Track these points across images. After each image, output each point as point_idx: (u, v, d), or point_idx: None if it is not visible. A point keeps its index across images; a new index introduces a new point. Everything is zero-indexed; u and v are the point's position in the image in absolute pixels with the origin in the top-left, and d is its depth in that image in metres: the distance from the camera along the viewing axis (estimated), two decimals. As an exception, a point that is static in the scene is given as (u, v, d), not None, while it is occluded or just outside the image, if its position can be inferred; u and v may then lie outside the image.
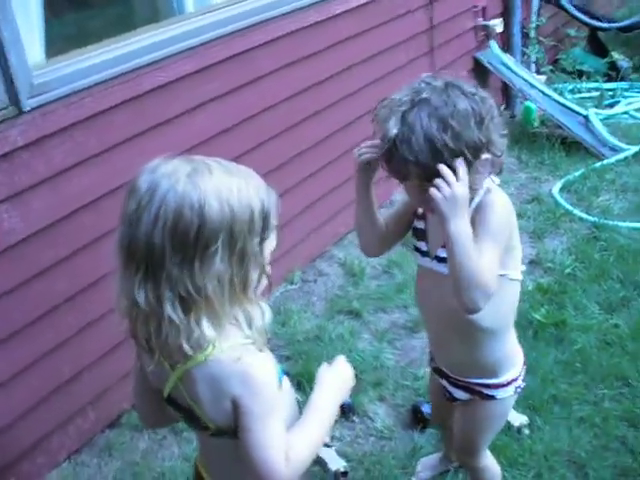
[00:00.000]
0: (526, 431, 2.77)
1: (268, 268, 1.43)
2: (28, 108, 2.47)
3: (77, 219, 2.70)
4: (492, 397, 2.09)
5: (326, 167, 3.96)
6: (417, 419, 2.88)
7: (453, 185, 1.68)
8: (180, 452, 2.88)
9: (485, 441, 2.24)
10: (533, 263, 3.92)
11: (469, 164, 1.72)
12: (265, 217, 1.37)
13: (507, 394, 2.11)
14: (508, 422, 2.77)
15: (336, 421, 2.85)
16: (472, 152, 1.72)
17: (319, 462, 2.68)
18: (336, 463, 2.66)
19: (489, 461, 2.34)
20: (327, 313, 3.58)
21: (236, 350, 1.37)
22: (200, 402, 1.42)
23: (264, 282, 1.43)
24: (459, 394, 2.15)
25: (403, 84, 4.62)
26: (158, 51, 2.90)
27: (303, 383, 2.81)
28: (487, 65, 5.36)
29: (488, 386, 2.08)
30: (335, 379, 1.62)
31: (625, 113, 5.61)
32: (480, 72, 5.42)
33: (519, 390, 2.15)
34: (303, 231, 3.87)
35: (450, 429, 2.36)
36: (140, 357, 1.57)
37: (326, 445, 2.68)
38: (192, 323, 1.33)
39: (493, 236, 1.77)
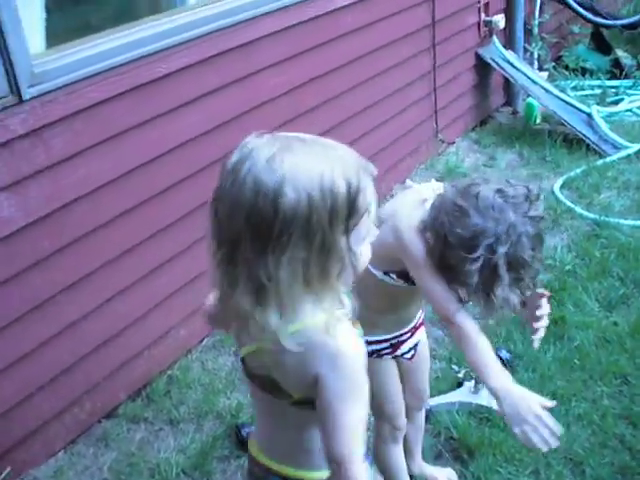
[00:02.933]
0: (524, 427, 2.76)
1: (357, 259, 1.31)
2: (28, 97, 2.46)
3: (76, 209, 2.69)
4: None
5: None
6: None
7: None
8: (176, 444, 2.87)
9: None
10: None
11: None
12: (351, 203, 1.25)
13: None
14: (505, 418, 2.77)
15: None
16: None
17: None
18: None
19: None
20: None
21: (330, 325, 1.31)
22: (284, 371, 1.38)
23: (350, 273, 1.31)
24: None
25: (404, 79, 4.63)
26: (159, 42, 2.89)
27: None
28: (489, 61, 5.35)
29: None
30: None
31: (628, 111, 5.60)
32: (482, 68, 5.42)
33: None
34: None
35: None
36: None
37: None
38: (258, 310, 1.28)
39: None
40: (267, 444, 1.59)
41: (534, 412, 1.72)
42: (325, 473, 1.49)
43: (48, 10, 2.79)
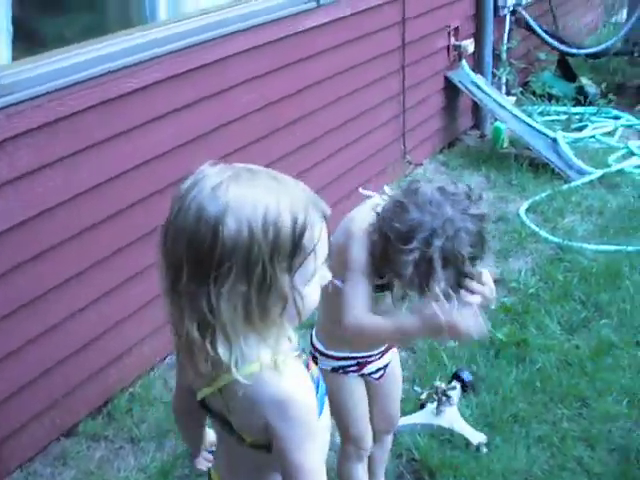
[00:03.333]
0: (484, 449, 2.78)
1: (303, 300, 1.25)
2: (-7, 109, 2.44)
3: (39, 223, 2.66)
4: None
5: (297, 178, 3.94)
6: (377, 435, 2.87)
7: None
8: (136, 463, 2.84)
9: None
10: (497, 282, 3.88)
11: None
12: (296, 239, 1.20)
13: None
14: (466, 440, 2.79)
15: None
16: None
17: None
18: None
19: None
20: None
21: (277, 367, 1.27)
22: (236, 415, 1.34)
23: (294, 314, 1.26)
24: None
25: (373, 100, 4.66)
26: (130, 56, 2.89)
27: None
28: (458, 84, 5.41)
29: None
30: None
31: (592, 137, 5.72)
32: (451, 91, 5.48)
33: None
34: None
35: None
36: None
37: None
38: (207, 344, 1.22)
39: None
40: (227, 477, 1.56)
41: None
42: None
43: (16, 22, 2.77)
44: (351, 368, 2.19)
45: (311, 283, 1.28)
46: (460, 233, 1.71)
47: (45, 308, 2.74)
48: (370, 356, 2.20)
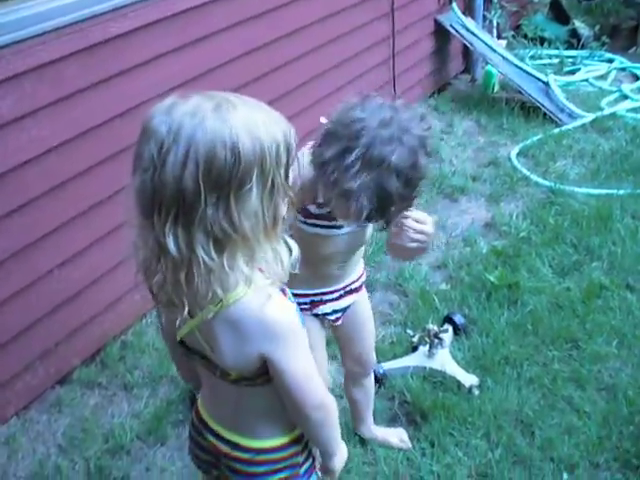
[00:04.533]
0: (476, 391, 2.80)
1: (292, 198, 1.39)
2: (-25, 55, 2.40)
3: (26, 171, 2.63)
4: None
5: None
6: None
7: None
8: (130, 409, 2.86)
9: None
10: (488, 226, 3.95)
11: None
12: (289, 148, 1.32)
13: None
14: (458, 382, 2.81)
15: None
16: None
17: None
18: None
19: None
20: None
21: (260, 294, 1.34)
22: (220, 349, 1.40)
23: (290, 215, 1.41)
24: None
25: (362, 44, 4.57)
26: (111, 1, 2.82)
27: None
28: (448, 28, 5.34)
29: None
30: None
31: (584, 81, 5.67)
32: (441, 35, 5.41)
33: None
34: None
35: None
36: (160, 315, 1.55)
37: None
38: (226, 263, 1.29)
39: None
40: (213, 411, 1.63)
41: None
42: (268, 442, 1.56)
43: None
44: (303, 306, 2.12)
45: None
46: (396, 140, 1.64)
47: (36, 256, 2.73)
48: (325, 294, 2.16)
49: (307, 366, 1.44)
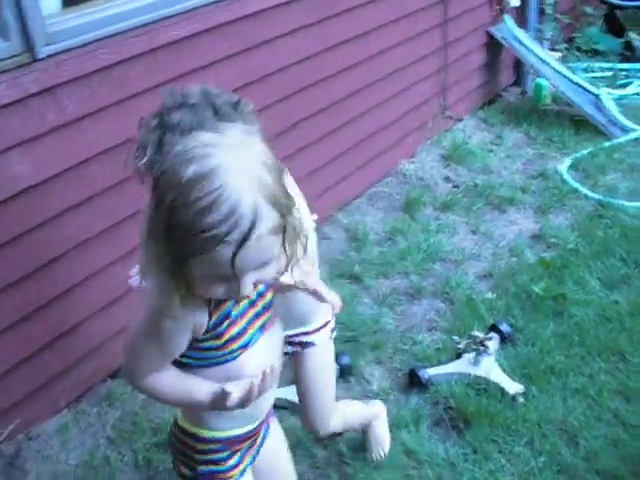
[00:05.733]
0: (521, 399, 2.80)
1: None
2: (42, 56, 2.49)
3: (85, 170, 2.71)
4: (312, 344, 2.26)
5: (335, 131, 3.97)
6: (414, 383, 2.91)
7: None
8: (179, 405, 2.92)
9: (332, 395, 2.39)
10: (536, 237, 3.94)
11: None
12: None
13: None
14: (503, 389, 2.82)
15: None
16: None
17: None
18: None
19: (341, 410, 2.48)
20: (328, 276, 3.60)
21: None
22: None
23: None
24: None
25: (414, 55, 4.59)
26: (174, 6, 2.90)
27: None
28: (500, 40, 5.33)
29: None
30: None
31: (637, 94, 5.60)
32: (493, 47, 5.41)
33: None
34: (309, 194, 3.86)
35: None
36: None
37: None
38: None
39: None
40: None
41: None
42: None
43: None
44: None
45: None
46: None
47: (93, 251, 2.81)
48: None
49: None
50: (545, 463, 2.56)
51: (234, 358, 1.51)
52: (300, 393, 2.37)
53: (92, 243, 2.81)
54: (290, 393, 2.83)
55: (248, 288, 1.32)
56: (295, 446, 2.61)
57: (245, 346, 1.51)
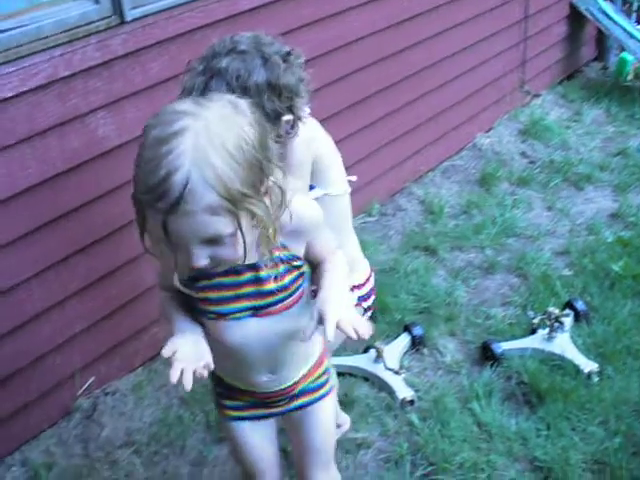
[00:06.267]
0: (596, 378, 2.76)
1: None
2: (130, 18, 2.53)
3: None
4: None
5: (412, 103, 3.94)
6: (486, 357, 2.89)
7: None
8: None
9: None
10: (614, 216, 3.86)
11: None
12: None
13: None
14: (577, 367, 2.77)
15: (406, 352, 2.92)
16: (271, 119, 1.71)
17: (387, 388, 2.75)
18: (404, 391, 2.72)
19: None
20: (403, 247, 3.60)
21: None
22: None
23: None
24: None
25: (493, 27, 4.49)
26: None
27: (375, 313, 2.84)
28: (584, 12, 5.19)
29: None
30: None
31: None
32: (575, 19, 5.27)
33: (367, 311, 2.19)
34: (384, 165, 3.87)
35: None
36: None
37: (395, 372, 2.74)
38: None
39: (294, 170, 1.85)
40: None
41: None
42: None
43: None
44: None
45: None
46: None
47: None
48: None
49: None
50: (621, 444, 2.50)
51: (209, 319, 1.58)
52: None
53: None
54: (362, 361, 2.86)
55: (198, 260, 1.33)
56: (367, 414, 2.66)
57: (222, 314, 1.56)
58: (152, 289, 2.89)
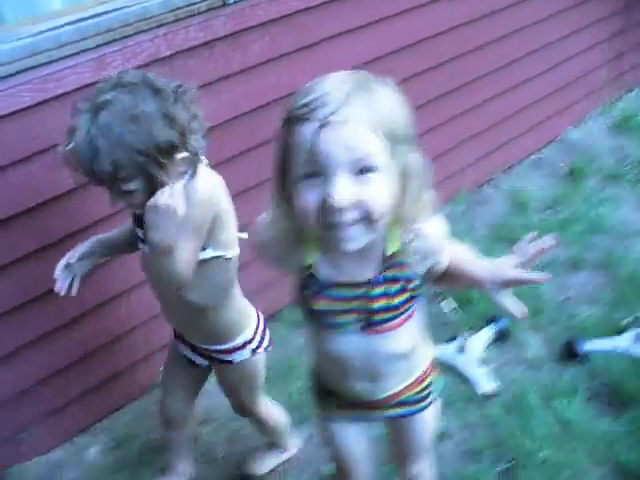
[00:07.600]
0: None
1: None
2: (232, 0, 2.55)
3: (262, 115, 2.77)
4: (229, 362, 2.14)
5: (502, 95, 3.90)
6: (569, 355, 2.85)
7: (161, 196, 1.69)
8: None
9: (252, 398, 2.31)
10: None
11: (161, 165, 1.70)
12: None
13: (244, 357, 2.14)
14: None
15: (490, 344, 2.90)
16: (165, 154, 1.69)
17: (469, 380, 2.74)
18: (486, 384, 2.71)
19: (267, 410, 2.41)
20: (488, 239, 3.56)
21: None
22: None
23: None
24: (199, 360, 2.22)
25: (587, 19, 4.34)
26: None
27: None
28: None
29: (221, 352, 2.13)
30: None
31: None
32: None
33: (268, 349, 2.20)
34: (473, 155, 3.84)
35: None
36: None
37: (478, 365, 2.72)
38: None
39: (192, 229, 1.79)
40: None
41: None
42: None
43: None
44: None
45: None
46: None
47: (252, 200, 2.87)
48: None
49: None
50: None
51: (320, 325, 1.57)
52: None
53: (252, 190, 2.82)
54: (446, 351, 2.85)
55: (342, 193, 1.25)
56: (448, 405, 2.64)
57: (328, 325, 1.56)
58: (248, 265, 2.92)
